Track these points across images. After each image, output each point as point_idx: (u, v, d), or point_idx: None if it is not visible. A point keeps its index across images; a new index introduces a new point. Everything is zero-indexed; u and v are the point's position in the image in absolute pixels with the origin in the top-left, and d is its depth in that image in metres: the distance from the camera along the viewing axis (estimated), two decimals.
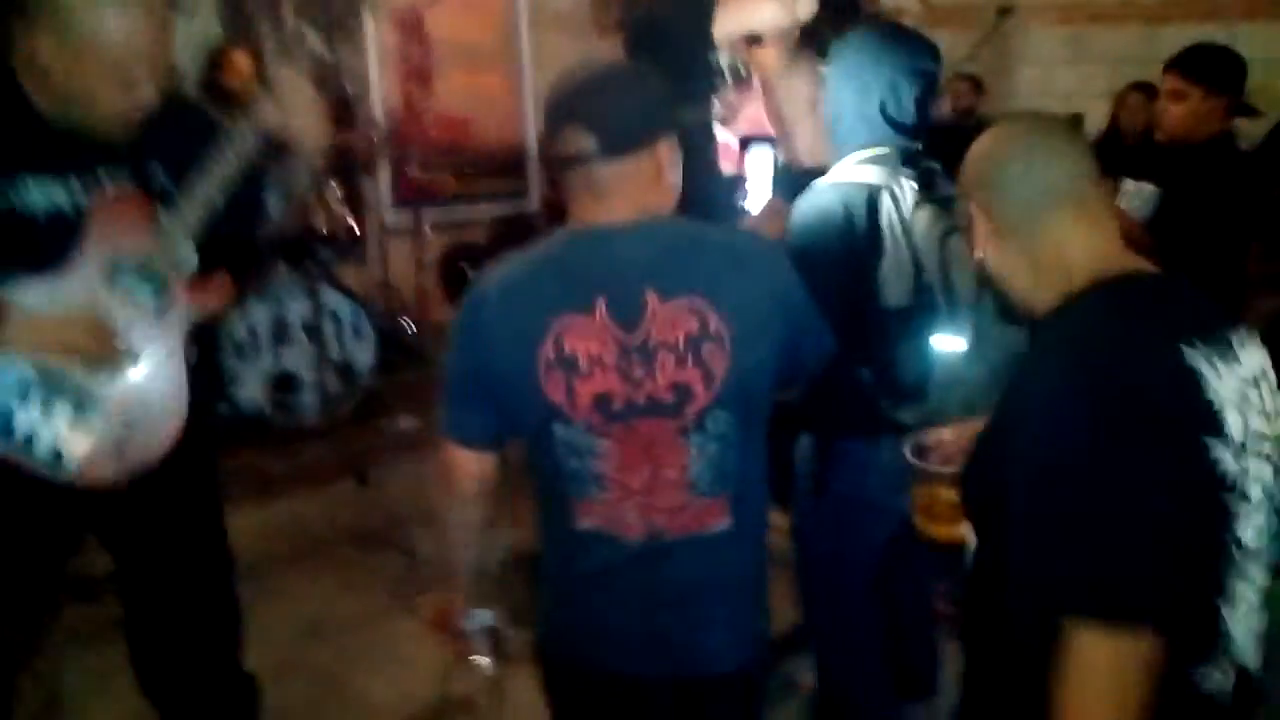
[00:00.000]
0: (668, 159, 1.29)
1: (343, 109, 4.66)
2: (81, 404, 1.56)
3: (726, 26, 2.41)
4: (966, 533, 1.25)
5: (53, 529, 1.67)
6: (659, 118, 1.29)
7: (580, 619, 1.37)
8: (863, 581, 1.92)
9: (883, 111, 1.76)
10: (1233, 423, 1.06)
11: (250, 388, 3.34)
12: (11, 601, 1.70)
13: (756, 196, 1.97)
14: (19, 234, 1.50)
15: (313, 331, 3.42)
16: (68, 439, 1.55)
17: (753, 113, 2.62)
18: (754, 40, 2.68)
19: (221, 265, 1.69)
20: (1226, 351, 1.09)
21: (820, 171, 2.71)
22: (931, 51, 1.83)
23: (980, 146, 1.23)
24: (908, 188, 1.73)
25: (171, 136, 1.60)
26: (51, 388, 1.54)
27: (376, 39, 4.81)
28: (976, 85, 4.80)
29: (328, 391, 3.49)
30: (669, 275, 1.25)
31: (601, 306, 1.23)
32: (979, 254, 1.25)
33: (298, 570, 2.90)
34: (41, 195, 1.51)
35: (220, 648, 1.88)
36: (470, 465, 1.38)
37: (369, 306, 3.83)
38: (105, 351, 1.55)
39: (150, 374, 1.61)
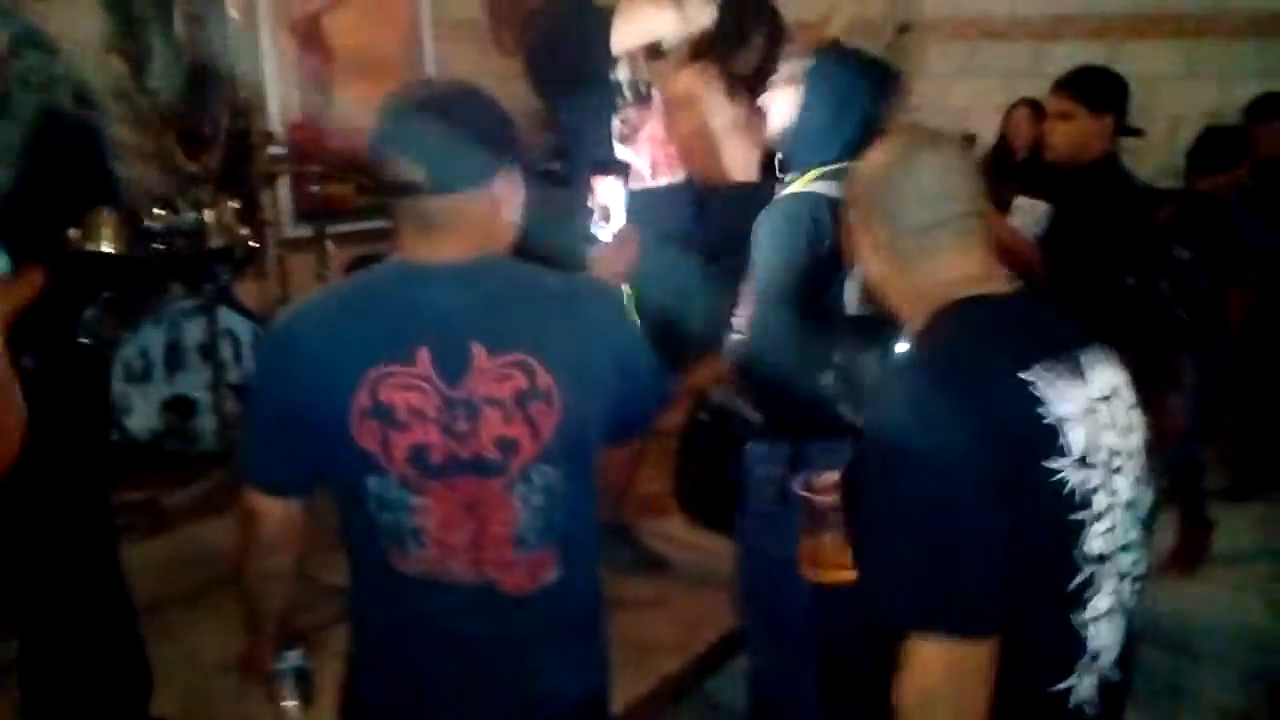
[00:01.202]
0: (505, 196, 1.23)
1: (236, 120, 4.53)
2: None
3: (624, 40, 2.41)
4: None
5: None
6: (498, 152, 1.21)
7: (398, 667, 1.29)
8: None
9: (857, 133, 1.80)
10: (1075, 439, 1.10)
11: (143, 415, 3.20)
12: None
13: (608, 224, 1.99)
14: None
15: (209, 353, 3.30)
16: None
17: (654, 130, 2.62)
18: (655, 54, 2.68)
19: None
20: (1072, 370, 1.13)
21: (679, 191, 2.71)
22: (898, 79, 1.94)
23: (868, 160, 1.26)
24: None
25: None
26: None
27: (273, 47, 4.66)
28: None
29: (225, 415, 3.36)
30: (497, 328, 1.19)
31: (424, 357, 1.16)
32: (858, 265, 1.28)
33: (202, 606, 2.78)
34: None
35: (124, 692, 1.80)
36: (275, 512, 1.28)
37: (268, 325, 3.71)
38: None
39: None
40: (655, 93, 2.65)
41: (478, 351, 1.17)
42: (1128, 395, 1.21)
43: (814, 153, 1.86)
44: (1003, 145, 4.38)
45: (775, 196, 1.90)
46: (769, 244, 1.81)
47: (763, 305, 1.84)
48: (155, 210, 3.20)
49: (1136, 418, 1.21)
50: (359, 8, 5.05)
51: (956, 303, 1.17)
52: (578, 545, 1.28)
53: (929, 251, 1.19)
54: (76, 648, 1.72)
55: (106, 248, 3.05)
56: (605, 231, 1.88)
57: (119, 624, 1.80)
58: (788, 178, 1.90)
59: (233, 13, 4.51)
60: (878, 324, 1.74)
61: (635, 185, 2.53)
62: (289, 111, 4.78)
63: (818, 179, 1.83)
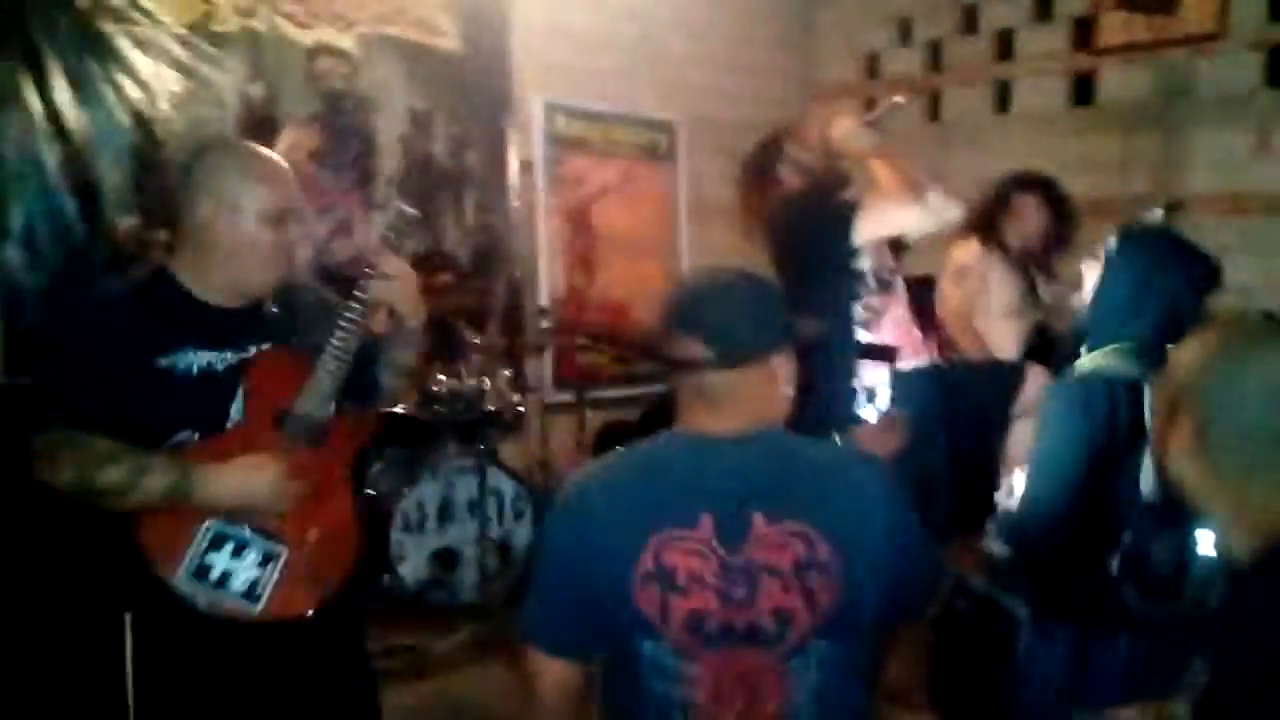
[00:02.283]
0: (782, 372, 1.28)
1: (514, 294, 4.99)
2: (269, 542, 1.68)
3: (866, 233, 2.47)
4: None
5: (223, 692, 1.74)
6: (774, 331, 1.29)
7: None
8: None
9: (1163, 316, 1.78)
10: None
11: (414, 563, 3.44)
12: None
13: (873, 406, 1.98)
14: (174, 391, 1.68)
15: (477, 509, 3.52)
16: (259, 576, 1.66)
17: (896, 315, 2.63)
18: (898, 245, 2.72)
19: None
20: None
21: (925, 373, 2.65)
22: (1214, 270, 1.87)
23: (1203, 347, 1.15)
24: None
25: (300, 314, 1.82)
26: (240, 535, 1.67)
27: (547, 230, 5.13)
28: None
29: (486, 569, 3.55)
30: (777, 497, 1.21)
31: (707, 522, 1.19)
32: (1167, 453, 1.17)
33: None
34: (199, 358, 1.70)
35: None
36: (557, 673, 1.31)
37: (529, 485, 3.93)
38: (285, 491, 1.67)
39: (327, 509, 1.74)
40: (898, 281, 2.68)
41: (757, 519, 1.20)
42: None
43: (1110, 332, 1.83)
44: None
45: (1063, 374, 1.87)
46: (1052, 423, 1.77)
47: (1040, 484, 1.78)
48: (440, 376, 3.53)
49: None
50: (623, 195, 5.50)
51: None
52: None
53: (1262, 468, 1.07)
54: None
55: (399, 409, 3.42)
56: (870, 412, 1.89)
57: None
58: (1081, 352, 1.86)
59: (515, 201, 5.05)
60: (1175, 510, 1.64)
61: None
62: (556, 288, 5.19)
63: (1108, 356, 1.79)
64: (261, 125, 4.19)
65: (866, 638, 1.27)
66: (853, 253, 2.54)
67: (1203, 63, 4.86)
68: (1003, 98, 5.76)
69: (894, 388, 2.40)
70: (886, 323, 2.63)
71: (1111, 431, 1.69)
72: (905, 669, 2.70)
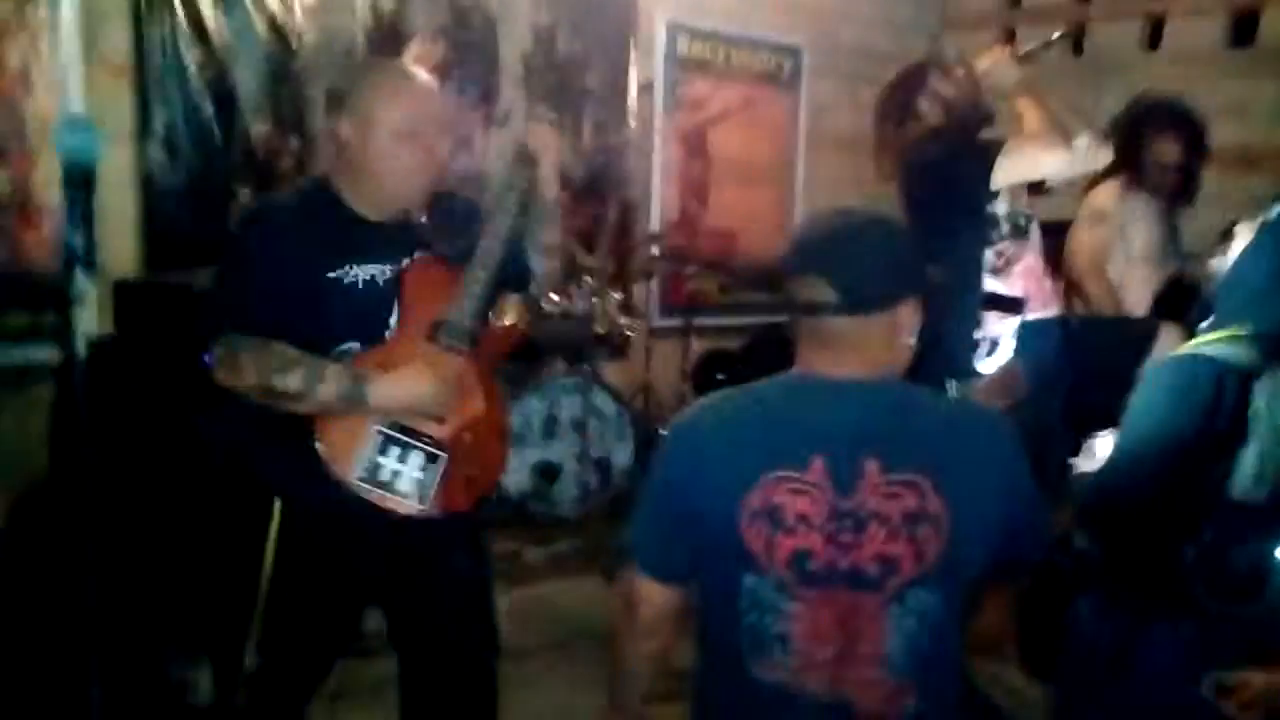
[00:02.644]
0: (906, 322, 1.27)
1: (626, 217, 5.00)
2: (431, 446, 1.78)
3: (1007, 176, 2.36)
4: None
5: (356, 583, 1.88)
6: (904, 280, 1.27)
7: None
8: None
9: None
10: None
11: (517, 475, 3.57)
12: (316, 650, 1.91)
13: (995, 358, 1.92)
14: (342, 302, 1.77)
15: (580, 427, 3.61)
16: (423, 477, 1.77)
17: (1029, 264, 2.53)
18: (1038, 188, 2.61)
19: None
20: None
21: (1051, 325, 2.52)
22: None
23: None
24: None
25: (449, 223, 1.88)
26: (404, 439, 1.77)
27: (663, 154, 5.09)
28: None
29: (586, 486, 3.66)
30: (892, 446, 1.21)
31: (819, 466, 1.20)
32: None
33: (543, 660, 3.02)
34: (363, 271, 1.78)
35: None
36: (655, 597, 1.35)
37: (631, 408, 4.00)
38: (444, 397, 1.77)
39: (478, 412, 1.84)
40: (1034, 227, 2.57)
41: (870, 467, 1.21)
42: None
43: (1235, 312, 1.68)
44: None
45: (1173, 350, 1.74)
46: (1148, 401, 1.66)
47: (1123, 463, 1.70)
48: (553, 295, 3.60)
49: None
50: (742, 120, 5.41)
51: None
52: (941, 680, 1.27)
53: None
54: (452, 665, 1.94)
55: (510, 321, 3.49)
56: (990, 364, 1.85)
57: (486, 656, 2.01)
58: (1201, 328, 1.74)
59: (632, 122, 5.02)
60: (1269, 513, 1.57)
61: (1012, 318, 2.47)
62: (668, 212, 5.18)
63: (1227, 341, 1.64)
64: (390, 37, 4.25)
65: (966, 591, 1.27)
66: (990, 196, 2.45)
67: None
68: (1154, 33, 5.40)
69: (1018, 340, 2.33)
70: (1018, 271, 2.54)
71: (1210, 421, 1.57)
72: (1000, 620, 2.70)
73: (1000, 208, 2.50)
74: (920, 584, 1.21)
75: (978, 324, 2.41)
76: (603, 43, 4.90)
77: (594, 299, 3.68)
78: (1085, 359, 2.69)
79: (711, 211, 5.41)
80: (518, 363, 3.71)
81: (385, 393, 1.72)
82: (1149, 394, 1.69)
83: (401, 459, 1.76)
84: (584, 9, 4.80)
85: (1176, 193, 3.12)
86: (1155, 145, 2.99)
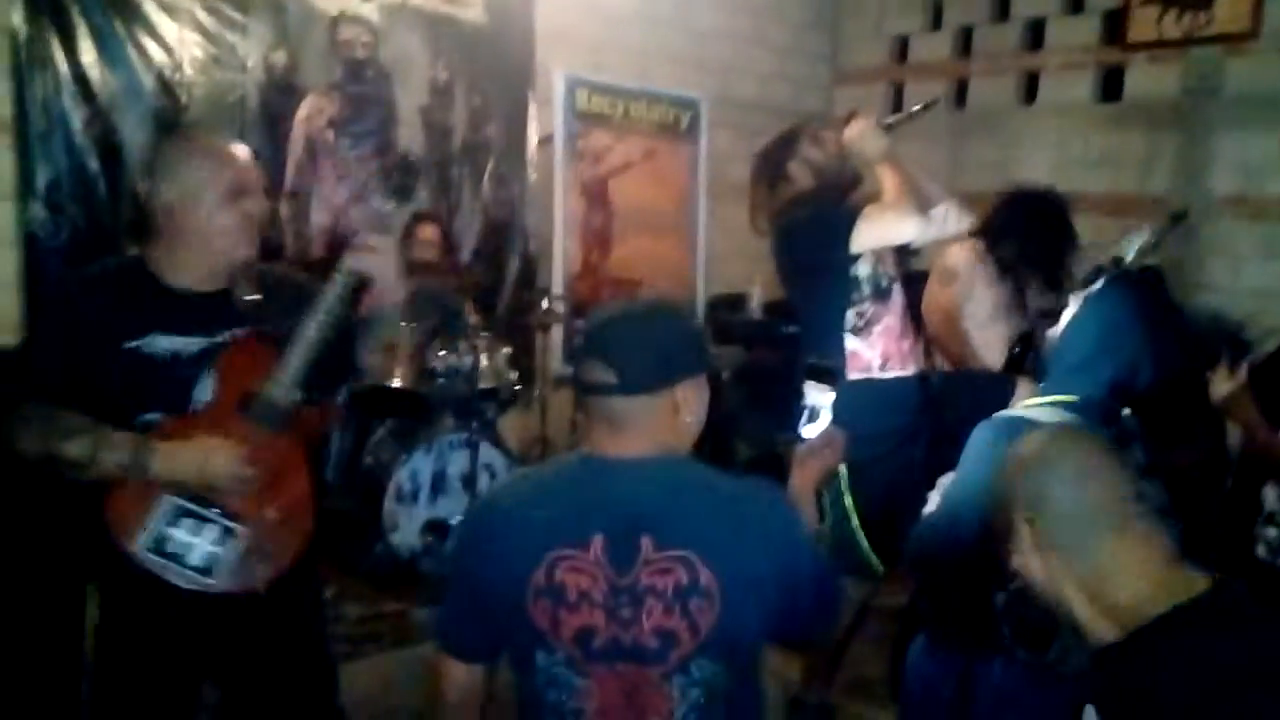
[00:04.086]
0: (686, 401, 1.33)
1: (528, 269, 5.04)
2: (227, 520, 1.77)
3: (864, 241, 2.46)
4: None
5: (178, 672, 1.84)
6: (682, 362, 1.33)
7: None
8: None
9: (1117, 378, 1.74)
10: None
11: (406, 533, 3.56)
12: None
13: (814, 425, 2.01)
14: (142, 374, 1.76)
15: (469, 483, 3.63)
16: (216, 552, 1.75)
17: (889, 324, 2.62)
18: (905, 251, 2.72)
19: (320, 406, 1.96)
20: None
21: (908, 383, 2.61)
22: (1188, 349, 1.84)
23: (1022, 460, 1.26)
24: None
25: (276, 300, 1.87)
26: (201, 511, 1.76)
27: (565, 205, 5.16)
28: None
29: None
30: (667, 524, 1.26)
31: (598, 544, 1.26)
32: (1019, 566, 1.26)
33: None
34: (166, 343, 1.78)
35: None
36: (459, 675, 1.40)
37: (525, 460, 4.02)
38: (244, 473, 1.76)
39: (285, 491, 1.83)
40: (895, 289, 2.66)
41: (646, 543, 1.26)
42: None
43: (1062, 381, 1.79)
44: None
45: (1004, 411, 1.84)
46: (979, 456, 1.74)
47: (949, 512, 1.79)
48: (440, 352, 3.62)
49: None
50: (643, 172, 5.51)
51: (1157, 620, 1.11)
52: None
53: (1097, 554, 1.16)
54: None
55: (397, 383, 3.50)
56: (811, 431, 1.93)
57: None
58: (1035, 390, 1.84)
59: (532, 174, 5.09)
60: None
61: (861, 376, 2.55)
62: (572, 263, 5.23)
63: (1049, 407, 1.75)
64: (283, 92, 4.27)
65: (751, 659, 1.33)
66: (852, 259, 2.53)
67: (1232, 63, 4.77)
68: (1030, 89, 5.68)
69: (856, 396, 2.42)
70: (878, 331, 2.62)
71: None
72: (817, 664, 2.79)
73: (863, 270, 2.59)
74: (701, 654, 1.26)
75: (839, 378, 2.50)
76: (502, 96, 4.98)
77: (483, 354, 3.70)
78: (944, 413, 2.79)
79: (615, 261, 5.47)
80: (405, 421, 3.71)
81: (171, 462, 1.71)
82: (972, 451, 1.78)
83: (194, 532, 1.74)
84: (483, 63, 4.87)
85: (1032, 265, 3.24)
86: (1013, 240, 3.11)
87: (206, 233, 1.79)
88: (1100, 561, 1.16)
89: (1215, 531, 2.94)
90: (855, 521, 2.50)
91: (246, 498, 1.78)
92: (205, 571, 1.74)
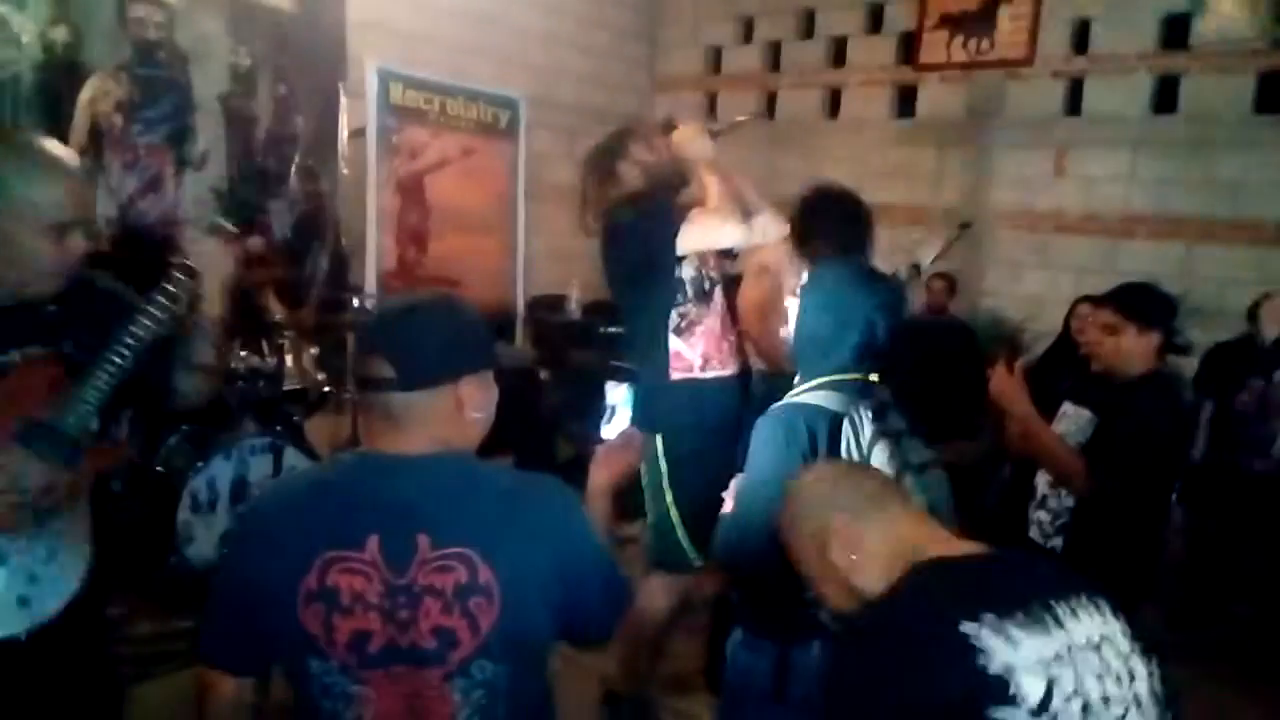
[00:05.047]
0: (470, 396, 1.29)
1: (338, 268, 4.86)
2: None
3: (688, 244, 2.51)
4: None
5: None
6: (465, 357, 1.29)
7: None
8: None
9: (861, 343, 1.85)
10: (1029, 688, 1.12)
11: (203, 545, 3.34)
12: None
13: (612, 424, 2.05)
14: None
15: None
16: None
17: (710, 325, 2.68)
18: (727, 254, 2.79)
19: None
20: (1037, 621, 1.17)
21: (727, 383, 2.71)
22: (897, 287, 1.96)
23: (795, 489, 1.43)
24: (865, 418, 1.80)
25: (85, 314, 1.69)
26: None
27: (379, 201, 5.02)
28: (951, 284, 5.01)
29: None
30: (444, 522, 1.23)
31: (373, 545, 1.21)
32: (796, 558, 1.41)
33: None
34: None
35: None
36: (224, 688, 1.31)
37: None
38: (12, 508, 1.58)
39: (57, 531, 1.65)
40: (717, 291, 2.73)
41: (423, 542, 1.21)
42: (1124, 642, 1.21)
43: (814, 364, 1.89)
44: (1064, 338, 4.37)
45: (775, 404, 1.91)
46: (762, 450, 1.81)
47: (745, 508, 1.84)
48: (241, 353, 3.43)
49: (1139, 664, 1.21)
50: (460, 169, 5.43)
51: (911, 569, 1.25)
52: None
53: (870, 532, 1.32)
54: None
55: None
56: (610, 431, 1.95)
57: None
58: (796, 383, 1.92)
59: (344, 168, 4.92)
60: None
61: (683, 376, 2.60)
62: (386, 261, 5.09)
63: (819, 389, 1.85)
64: (65, 71, 3.95)
65: (538, 655, 1.31)
66: (676, 260, 2.57)
67: (1011, 87, 5.19)
68: (834, 103, 5.99)
69: (677, 396, 2.45)
70: (699, 332, 2.67)
71: (809, 461, 1.73)
72: (633, 659, 2.85)
73: (687, 271, 2.64)
74: (483, 654, 1.23)
75: (662, 376, 2.54)
76: (311, 87, 4.78)
77: (288, 354, 3.53)
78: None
79: (432, 259, 5.37)
80: (203, 425, 3.49)
81: None
82: (759, 443, 1.84)
83: None
84: (290, 51, 4.67)
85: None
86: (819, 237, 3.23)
87: (16, 259, 1.58)
88: (872, 540, 1.32)
89: (995, 515, 3.19)
90: (675, 515, 2.54)
91: (20, 532, 1.60)
92: None
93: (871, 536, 1.32)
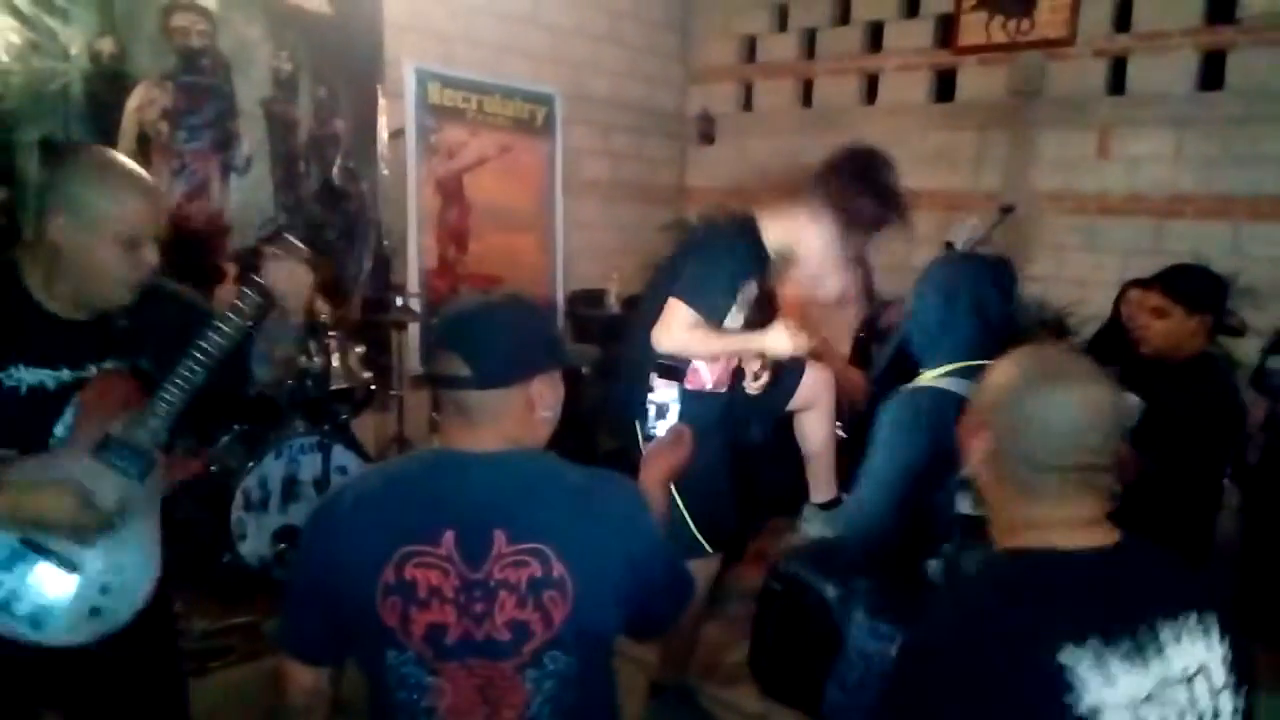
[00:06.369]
0: (541, 395, 1.33)
1: (380, 268, 4.92)
2: (63, 571, 1.64)
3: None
4: None
5: (14, 700, 1.72)
6: (536, 356, 1.34)
7: None
8: None
9: (973, 329, 1.87)
10: None
11: (256, 541, 3.41)
12: None
13: (664, 421, 2.07)
14: (4, 408, 1.62)
15: (322, 487, 3.51)
16: (47, 604, 1.62)
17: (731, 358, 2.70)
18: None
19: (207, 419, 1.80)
20: (1140, 650, 1.07)
21: (719, 398, 2.69)
22: (1009, 269, 2.00)
23: (1002, 372, 1.24)
24: None
25: (158, 326, 1.74)
26: (35, 556, 1.62)
27: (419, 201, 5.07)
28: None
29: None
30: (520, 518, 1.26)
31: (449, 540, 1.25)
32: (970, 464, 1.27)
33: None
34: (29, 376, 1.64)
35: None
36: (303, 678, 1.36)
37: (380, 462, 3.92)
38: (88, 521, 1.63)
39: (129, 542, 1.70)
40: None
41: (499, 537, 1.25)
42: (1220, 674, 1.12)
43: (933, 351, 1.92)
44: (1114, 321, 4.29)
45: (902, 388, 1.94)
46: (892, 433, 1.84)
47: (875, 490, 1.86)
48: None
49: (1227, 700, 1.12)
50: (498, 167, 5.46)
51: (1020, 552, 1.15)
52: None
53: (1036, 490, 1.17)
54: None
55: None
56: (660, 428, 1.96)
57: None
58: (922, 370, 1.94)
59: (384, 169, 4.97)
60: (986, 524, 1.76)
61: (695, 389, 2.61)
62: (428, 260, 5.15)
63: (947, 375, 1.87)
64: (112, 81, 4.03)
65: (606, 647, 1.34)
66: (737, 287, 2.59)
67: (1052, 67, 5.10)
68: (870, 89, 5.93)
69: (684, 405, 2.47)
70: (721, 360, 2.70)
71: (939, 444, 1.75)
72: (673, 648, 2.87)
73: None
74: (554, 646, 1.26)
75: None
76: (351, 89, 4.84)
77: (334, 353, 3.59)
78: (738, 419, 2.89)
79: (472, 257, 5.42)
80: (254, 425, 3.56)
81: (12, 502, 1.58)
82: (888, 426, 1.86)
83: (26, 579, 1.61)
84: (330, 54, 4.73)
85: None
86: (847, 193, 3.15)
87: (90, 273, 1.63)
88: (1037, 502, 1.17)
89: None
90: (683, 509, 2.58)
91: (93, 541, 1.65)
92: (32, 624, 1.61)
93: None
